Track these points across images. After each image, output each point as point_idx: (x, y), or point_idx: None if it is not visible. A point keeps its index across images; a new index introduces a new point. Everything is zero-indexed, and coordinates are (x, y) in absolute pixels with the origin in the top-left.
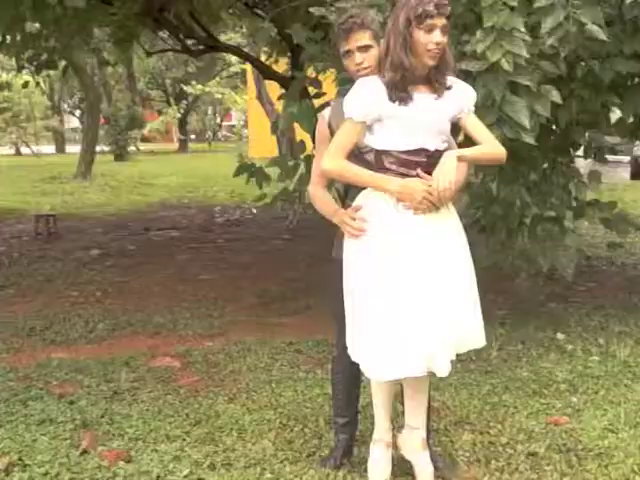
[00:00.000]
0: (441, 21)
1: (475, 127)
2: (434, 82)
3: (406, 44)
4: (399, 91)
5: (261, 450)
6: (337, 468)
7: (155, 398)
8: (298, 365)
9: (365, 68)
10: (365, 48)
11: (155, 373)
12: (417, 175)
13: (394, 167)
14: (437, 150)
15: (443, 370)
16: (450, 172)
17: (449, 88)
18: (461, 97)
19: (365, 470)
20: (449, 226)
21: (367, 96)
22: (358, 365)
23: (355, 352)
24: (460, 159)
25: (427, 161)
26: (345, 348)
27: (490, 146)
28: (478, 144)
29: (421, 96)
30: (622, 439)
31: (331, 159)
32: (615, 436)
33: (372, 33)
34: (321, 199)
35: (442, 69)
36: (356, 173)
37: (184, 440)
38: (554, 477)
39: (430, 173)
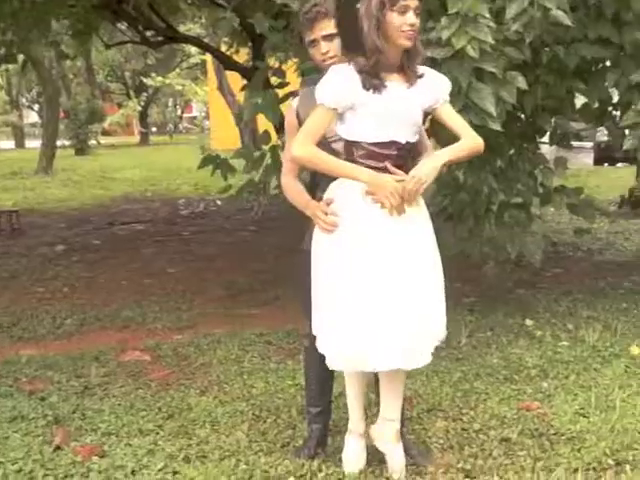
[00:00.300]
0: (414, 2)
1: (451, 117)
2: (406, 69)
3: (379, 27)
4: (372, 78)
5: (235, 442)
6: (311, 458)
7: (126, 392)
8: (269, 356)
9: (331, 57)
10: (330, 37)
11: (125, 367)
12: (385, 168)
13: (362, 160)
14: (408, 142)
15: (411, 363)
16: (430, 175)
17: (421, 76)
18: (435, 87)
19: (340, 460)
20: (418, 218)
21: (340, 83)
22: None
23: (322, 344)
24: (445, 164)
25: (397, 154)
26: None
27: (470, 140)
28: (455, 133)
29: (394, 85)
30: (593, 423)
31: (301, 145)
32: (587, 420)
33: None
34: (293, 189)
35: (413, 56)
36: (326, 160)
37: (157, 434)
38: (527, 462)
39: (400, 166)
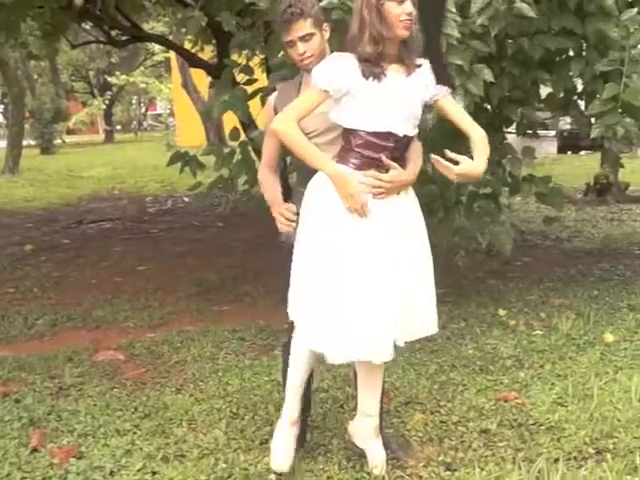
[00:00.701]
0: None
1: (453, 109)
2: (405, 59)
3: (381, 17)
4: (374, 66)
5: (213, 440)
6: None
7: (102, 392)
8: (243, 353)
9: (309, 57)
10: (307, 37)
11: (99, 367)
12: (380, 160)
13: (359, 149)
14: (405, 136)
15: (384, 355)
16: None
17: (419, 66)
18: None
19: (320, 454)
20: (406, 212)
21: (337, 68)
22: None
23: (305, 331)
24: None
25: (394, 146)
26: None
27: (480, 132)
28: (458, 126)
29: (393, 74)
30: (572, 412)
31: (283, 120)
32: (565, 409)
33: (313, 20)
34: (267, 183)
35: (411, 45)
36: (300, 143)
37: (135, 433)
38: (508, 453)
39: (395, 159)
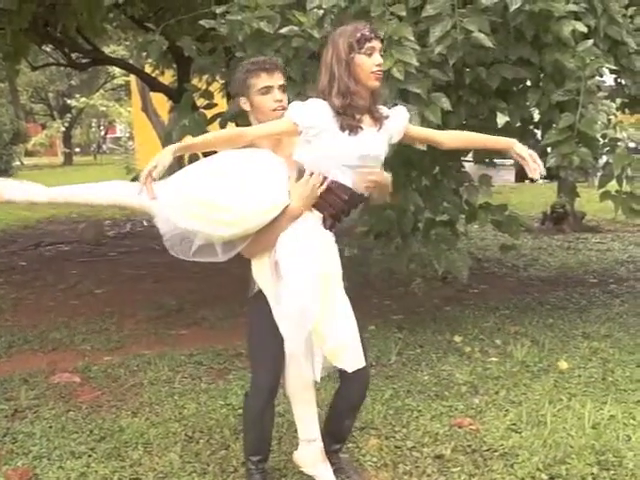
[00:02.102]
0: (378, 44)
1: (419, 130)
2: (374, 112)
3: (349, 70)
4: (349, 118)
5: (168, 463)
6: None
7: (57, 415)
8: (199, 377)
9: (283, 107)
10: (284, 87)
11: (55, 390)
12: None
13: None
14: (361, 195)
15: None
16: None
17: (387, 117)
18: (398, 121)
19: (275, 479)
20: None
21: (315, 109)
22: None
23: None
24: None
25: (347, 200)
26: (260, 387)
27: (453, 134)
28: (431, 141)
29: (368, 128)
30: (525, 438)
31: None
32: (519, 435)
33: (284, 78)
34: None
35: (377, 96)
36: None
37: (90, 456)
38: (462, 478)
39: (340, 213)
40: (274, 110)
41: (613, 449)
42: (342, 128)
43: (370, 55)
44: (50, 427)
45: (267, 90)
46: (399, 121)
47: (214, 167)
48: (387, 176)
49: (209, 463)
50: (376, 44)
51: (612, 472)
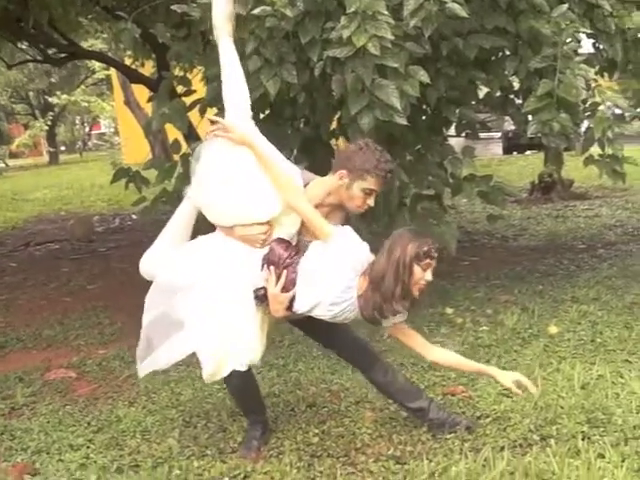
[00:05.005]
0: (434, 263)
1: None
2: None
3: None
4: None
5: (167, 449)
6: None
7: (54, 410)
8: (194, 364)
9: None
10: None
11: (51, 386)
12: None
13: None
14: None
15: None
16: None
17: None
18: None
19: (273, 456)
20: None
21: (360, 252)
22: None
23: None
24: None
25: None
26: None
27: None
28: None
29: None
30: (517, 402)
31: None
32: (510, 400)
33: None
34: None
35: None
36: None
37: (88, 447)
38: (455, 444)
39: None
40: (358, 208)
41: (602, 407)
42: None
43: (425, 270)
44: (48, 422)
45: (370, 193)
46: None
47: None
48: None
49: (207, 446)
50: (433, 262)
51: (602, 429)
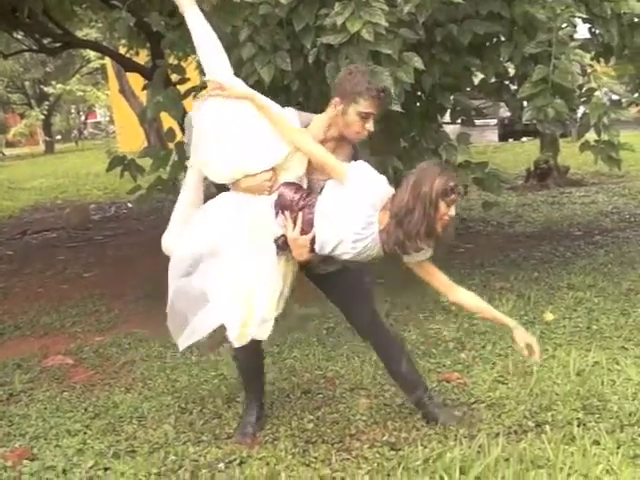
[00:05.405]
0: (458, 198)
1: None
2: None
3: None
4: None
5: (163, 435)
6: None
7: (52, 396)
8: (190, 351)
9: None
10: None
11: (49, 372)
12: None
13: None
14: None
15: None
16: None
17: None
18: None
19: (269, 442)
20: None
21: (376, 183)
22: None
23: None
24: None
25: None
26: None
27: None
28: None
29: None
30: (512, 388)
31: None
32: (505, 386)
33: None
34: None
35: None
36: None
37: (85, 433)
38: (450, 430)
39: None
40: (357, 134)
41: (598, 394)
42: (388, 247)
43: (449, 206)
44: (45, 408)
45: (367, 116)
46: None
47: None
48: None
49: (203, 432)
50: (458, 198)
51: (597, 416)
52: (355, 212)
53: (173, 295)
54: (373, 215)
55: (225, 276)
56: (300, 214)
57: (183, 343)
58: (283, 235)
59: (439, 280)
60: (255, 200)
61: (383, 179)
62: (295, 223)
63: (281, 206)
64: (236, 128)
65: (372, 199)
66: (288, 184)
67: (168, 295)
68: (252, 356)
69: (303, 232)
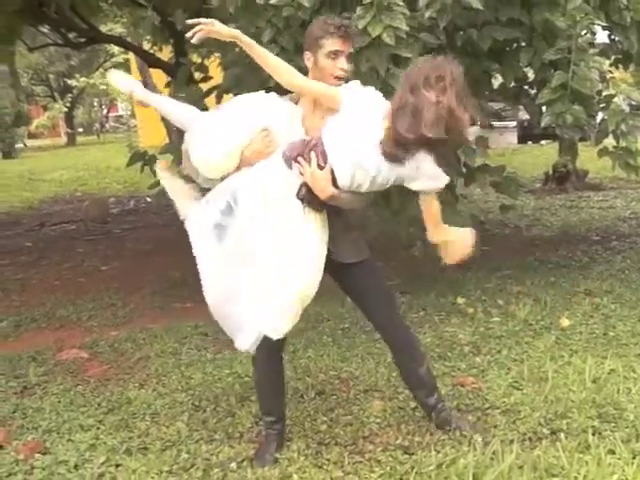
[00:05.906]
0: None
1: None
2: None
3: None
4: (403, 151)
5: (176, 432)
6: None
7: (66, 390)
8: (206, 347)
9: (345, 76)
10: (350, 57)
11: (63, 366)
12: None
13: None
14: None
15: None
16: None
17: None
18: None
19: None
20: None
21: (371, 100)
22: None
23: None
24: None
25: None
26: (261, 347)
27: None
28: None
29: None
30: (527, 394)
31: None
32: (520, 392)
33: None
34: None
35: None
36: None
37: (98, 428)
38: (465, 436)
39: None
40: (335, 77)
41: (614, 402)
42: (387, 157)
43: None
44: (59, 402)
45: (336, 55)
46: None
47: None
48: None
49: (216, 430)
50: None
51: (612, 424)
52: (361, 134)
53: (213, 300)
54: (378, 129)
55: (260, 280)
56: (312, 153)
57: (247, 342)
58: (302, 184)
59: (431, 219)
60: (265, 164)
61: (378, 94)
62: (310, 163)
63: (293, 157)
64: (215, 115)
65: (372, 116)
66: (291, 142)
67: (202, 283)
68: (270, 366)
69: (320, 168)
